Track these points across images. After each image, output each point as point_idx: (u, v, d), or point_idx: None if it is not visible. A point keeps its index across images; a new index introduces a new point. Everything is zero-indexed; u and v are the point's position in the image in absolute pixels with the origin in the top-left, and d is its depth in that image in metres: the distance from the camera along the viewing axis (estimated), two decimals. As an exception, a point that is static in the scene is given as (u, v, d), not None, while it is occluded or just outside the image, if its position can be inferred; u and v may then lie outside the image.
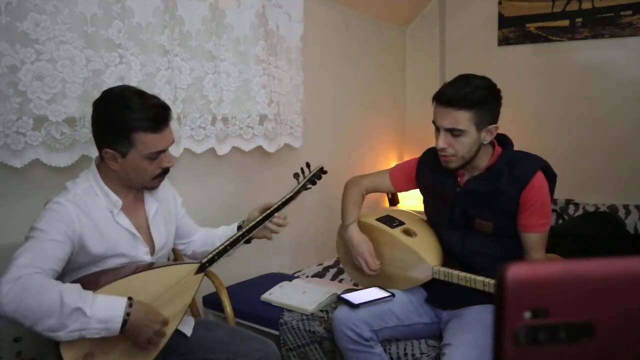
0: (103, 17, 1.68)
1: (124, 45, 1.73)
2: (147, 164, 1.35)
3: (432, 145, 1.82)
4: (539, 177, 1.55)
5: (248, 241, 1.64)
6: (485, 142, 1.56)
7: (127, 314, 1.19)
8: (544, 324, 0.45)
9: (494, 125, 1.55)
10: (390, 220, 1.83)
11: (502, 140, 1.65)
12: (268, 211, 1.62)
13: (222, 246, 1.52)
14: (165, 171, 1.41)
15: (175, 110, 1.96)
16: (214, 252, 1.50)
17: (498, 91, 1.56)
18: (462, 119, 1.50)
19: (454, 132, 1.52)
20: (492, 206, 1.58)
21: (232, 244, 1.54)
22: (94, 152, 1.67)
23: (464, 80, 1.53)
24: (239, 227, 1.64)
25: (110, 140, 1.31)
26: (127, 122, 1.29)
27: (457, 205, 1.64)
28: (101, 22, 1.68)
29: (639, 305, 0.46)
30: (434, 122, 1.58)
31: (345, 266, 1.99)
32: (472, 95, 1.49)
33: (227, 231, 1.67)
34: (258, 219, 1.60)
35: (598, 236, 2.28)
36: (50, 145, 1.59)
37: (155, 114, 1.32)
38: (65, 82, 1.59)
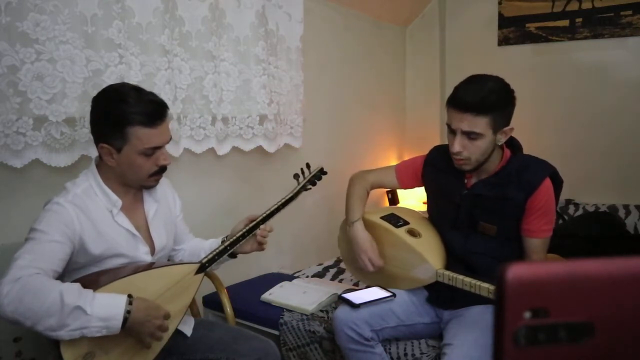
0: (103, 17, 1.68)
1: (124, 45, 1.73)
2: (142, 160, 1.34)
3: (432, 145, 1.82)
4: (547, 184, 1.54)
5: (234, 256, 1.60)
6: (499, 144, 1.55)
7: (128, 312, 1.19)
8: (544, 324, 0.45)
9: (508, 127, 1.54)
10: (395, 219, 1.82)
11: (511, 143, 1.64)
12: (252, 224, 1.57)
13: (223, 246, 1.52)
14: (162, 169, 1.41)
15: (175, 110, 1.96)
16: (215, 252, 1.50)
17: (512, 92, 1.53)
18: (480, 123, 1.48)
19: (471, 136, 1.50)
20: (498, 210, 1.58)
21: (233, 243, 1.54)
22: (93, 152, 1.67)
23: (479, 83, 1.51)
24: (222, 242, 1.59)
25: (105, 134, 1.31)
26: (122, 116, 1.29)
27: (462, 207, 1.63)
28: (101, 22, 1.68)
29: (639, 305, 0.46)
30: (448, 124, 1.56)
31: (347, 262, 1.99)
32: (488, 99, 1.47)
33: (213, 245, 1.62)
34: (242, 231, 1.55)
35: (598, 236, 2.28)
36: (50, 145, 1.59)
37: (151, 109, 1.32)
38: (65, 82, 1.60)
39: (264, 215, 1.60)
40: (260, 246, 1.60)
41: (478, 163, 1.56)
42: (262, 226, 1.59)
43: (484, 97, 1.47)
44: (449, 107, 1.55)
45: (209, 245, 1.65)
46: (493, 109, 1.48)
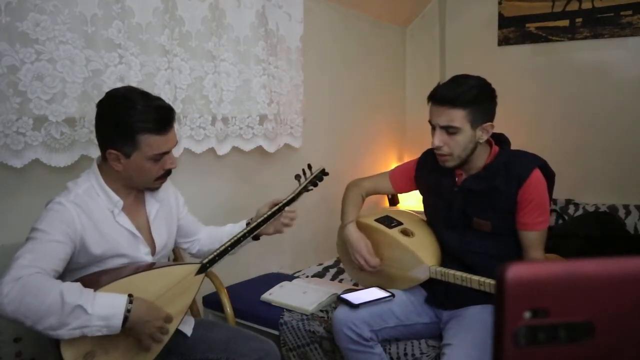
0: (103, 17, 1.68)
1: (124, 45, 1.73)
2: (150, 165, 1.35)
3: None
4: (537, 175, 1.55)
5: (257, 238, 1.65)
6: (481, 141, 1.57)
7: (128, 311, 1.19)
8: (544, 324, 0.45)
9: (489, 124, 1.57)
10: (388, 221, 1.83)
11: (499, 139, 1.66)
12: (276, 207, 1.64)
13: (224, 246, 1.52)
14: (167, 173, 1.41)
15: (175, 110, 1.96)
16: (215, 253, 1.50)
17: (492, 90, 1.58)
18: (457, 116, 1.52)
19: (449, 130, 1.54)
20: (490, 205, 1.58)
21: (235, 243, 1.55)
22: (93, 152, 1.68)
23: (458, 80, 1.57)
24: (247, 225, 1.64)
25: (114, 141, 1.31)
26: (132, 124, 1.29)
27: (455, 204, 1.64)
28: (101, 22, 1.68)
29: (639, 305, 0.46)
30: (430, 121, 1.60)
31: (346, 266, 1.99)
32: (466, 94, 1.51)
33: (234, 229, 1.67)
34: (267, 214, 1.62)
35: (598, 236, 2.28)
36: (50, 145, 1.59)
37: (160, 115, 1.33)
38: (65, 82, 1.59)
39: (264, 216, 1.61)
40: (282, 228, 1.69)
41: (460, 159, 1.58)
42: (287, 208, 1.66)
43: (460, 92, 1.52)
44: (429, 103, 1.60)
45: (229, 229, 1.69)
46: (470, 103, 1.52)
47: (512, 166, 1.56)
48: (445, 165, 1.62)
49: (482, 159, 1.61)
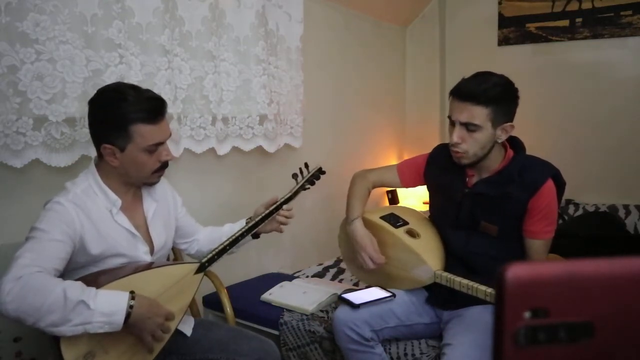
0: (103, 17, 1.68)
1: (124, 45, 1.73)
2: (146, 157, 1.35)
3: (432, 144, 1.83)
4: (549, 185, 1.54)
5: (256, 236, 1.66)
6: (499, 141, 1.55)
7: (130, 307, 1.20)
8: (544, 324, 0.45)
9: (509, 124, 1.55)
10: (394, 219, 1.82)
11: (514, 144, 1.64)
12: (274, 206, 1.64)
13: (222, 245, 1.53)
14: (164, 165, 1.41)
15: (175, 110, 1.96)
16: (214, 252, 1.50)
17: (515, 90, 1.55)
18: (479, 114, 1.49)
19: (469, 127, 1.51)
20: (499, 210, 1.57)
21: (233, 242, 1.55)
22: (93, 152, 1.67)
23: (483, 76, 1.54)
24: (247, 223, 1.64)
25: (108, 135, 1.31)
26: (123, 115, 1.29)
27: (463, 206, 1.63)
28: (101, 22, 1.68)
29: (639, 305, 0.46)
30: (449, 116, 1.57)
31: (347, 262, 1.99)
32: (491, 91, 1.48)
33: (234, 228, 1.67)
34: (264, 213, 1.62)
35: (598, 236, 2.28)
36: (50, 145, 1.59)
37: (151, 105, 1.33)
38: (65, 82, 1.60)
39: (262, 215, 1.61)
40: (279, 227, 1.70)
41: (476, 157, 1.56)
42: (285, 206, 1.67)
43: (485, 88, 1.48)
44: (451, 98, 1.56)
45: (228, 229, 1.69)
46: (493, 101, 1.49)
47: (525, 174, 1.55)
48: (459, 163, 1.60)
49: (496, 161, 1.60)
